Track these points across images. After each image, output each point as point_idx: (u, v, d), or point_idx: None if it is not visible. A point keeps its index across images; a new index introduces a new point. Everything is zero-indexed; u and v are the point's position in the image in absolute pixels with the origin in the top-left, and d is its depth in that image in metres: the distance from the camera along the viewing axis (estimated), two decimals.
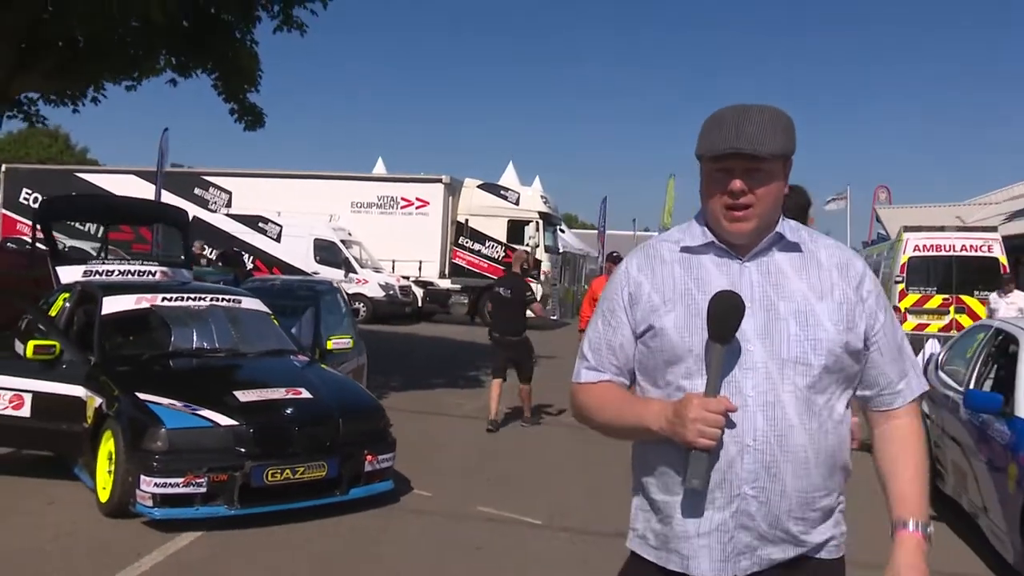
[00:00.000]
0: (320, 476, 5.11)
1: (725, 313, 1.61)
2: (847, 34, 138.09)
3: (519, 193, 23.26)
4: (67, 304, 6.41)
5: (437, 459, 6.76)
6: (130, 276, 7.23)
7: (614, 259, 10.97)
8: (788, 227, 1.75)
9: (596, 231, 32.31)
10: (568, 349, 11.83)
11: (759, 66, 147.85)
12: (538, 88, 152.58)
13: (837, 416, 1.70)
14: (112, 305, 5.99)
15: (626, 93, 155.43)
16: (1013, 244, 20.38)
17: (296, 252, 21.34)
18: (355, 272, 21.25)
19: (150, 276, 7.31)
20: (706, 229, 1.75)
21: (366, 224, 22.74)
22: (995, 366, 5.55)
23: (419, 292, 22.30)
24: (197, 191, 23.50)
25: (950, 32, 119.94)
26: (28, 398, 5.52)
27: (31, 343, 5.50)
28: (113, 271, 7.25)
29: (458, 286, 22.63)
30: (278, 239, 21.74)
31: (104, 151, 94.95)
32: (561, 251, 25.71)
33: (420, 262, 22.56)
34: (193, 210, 19.97)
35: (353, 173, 24.40)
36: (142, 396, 5.05)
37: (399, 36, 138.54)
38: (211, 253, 18.28)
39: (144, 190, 23.46)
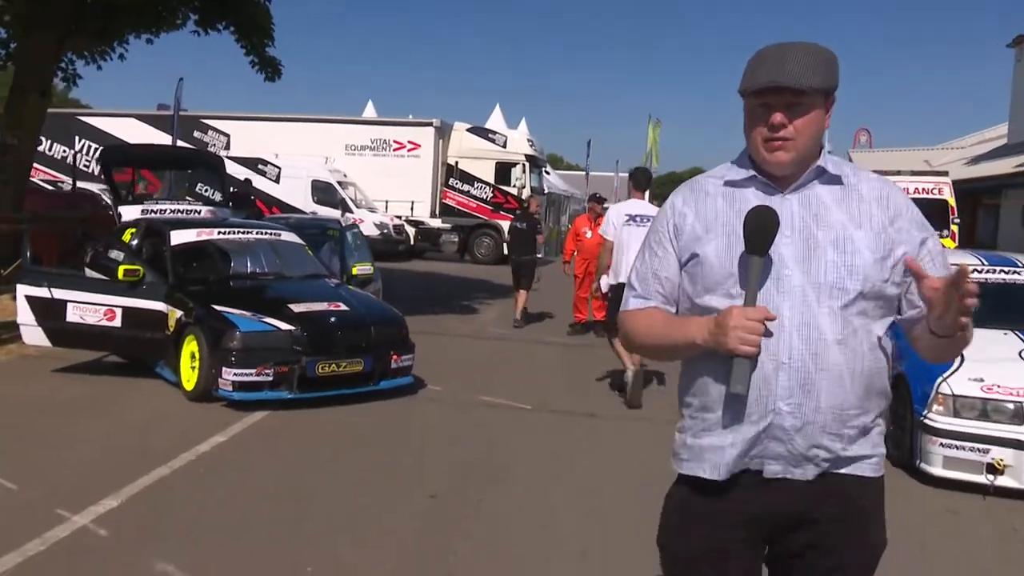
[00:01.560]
0: (358, 370, 6.55)
1: (760, 226, 1.69)
2: None
3: (506, 136, 24.34)
4: (135, 237, 7.72)
5: (444, 365, 8.18)
6: (180, 214, 8.51)
7: (596, 199, 12.30)
8: (831, 161, 1.80)
9: (580, 172, 33.54)
10: (551, 281, 13.35)
11: (742, 15, 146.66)
12: (525, 34, 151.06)
13: (874, 339, 1.75)
14: (178, 238, 7.32)
15: (610, 41, 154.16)
16: (974, 187, 21.87)
17: (294, 192, 22.43)
18: (351, 212, 22.35)
19: (196, 214, 8.60)
20: (750, 165, 1.82)
21: (360, 166, 23.81)
22: None
23: (411, 231, 23.53)
24: (196, 134, 24.38)
25: None
26: (119, 312, 6.88)
27: (121, 267, 6.83)
28: (166, 210, 8.54)
29: (448, 225, 23.86)
30: (277, 180, 22.80)
31: (84, 91, 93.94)
32: (546, 192, 26.93)
33: (412, 202, 23.73)
34: None
35: (347, 117, 25.34)
36: (218, 308, 6.43)
37: None
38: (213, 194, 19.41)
39: (143, 132, 24.45)
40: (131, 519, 4.12)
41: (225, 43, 11.86)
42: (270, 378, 6.21)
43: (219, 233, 7.55)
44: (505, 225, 23.52)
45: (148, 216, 8.00)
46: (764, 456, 1.73)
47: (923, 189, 16.50)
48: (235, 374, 6.13)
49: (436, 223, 23.88)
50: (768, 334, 1.67)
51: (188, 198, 10.71)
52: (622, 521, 4.32)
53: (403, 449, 5.62)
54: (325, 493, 4.65)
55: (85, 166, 24.34)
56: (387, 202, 23.60)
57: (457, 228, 23.76)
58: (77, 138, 24.79)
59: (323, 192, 22.56)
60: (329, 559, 3.76)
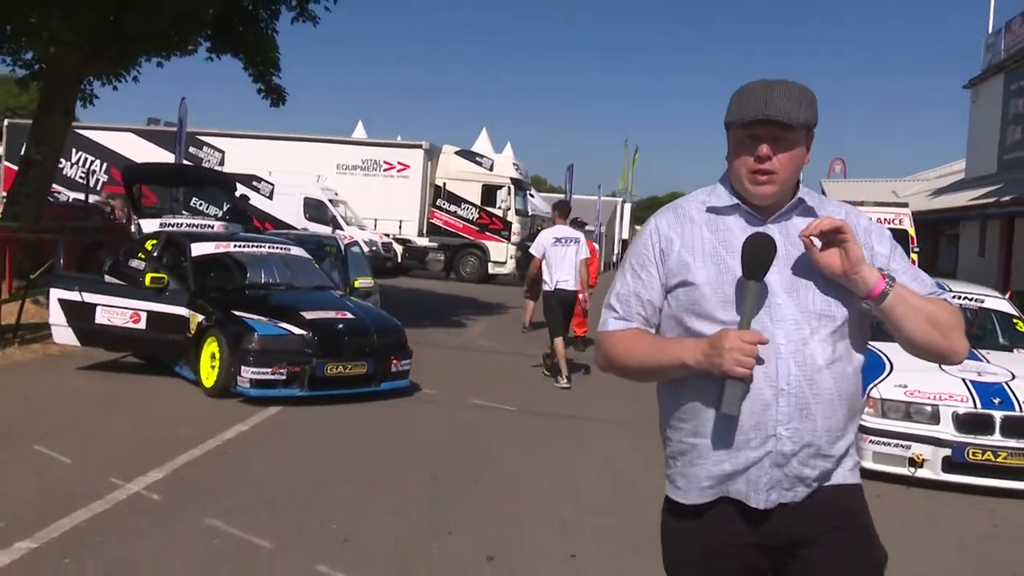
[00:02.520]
0: (362, 372, 7.28)
1: (758, 251, 1.74)
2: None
3: (493, 160, 25.20)
4: (156, 249, 8.42)
5: (436, 372, 8.90)
6: (194, 228, 9.21)
7: (578, 223, 13.10)
8: (806, 194, 1.88)
9: (563, 195, 34.49)
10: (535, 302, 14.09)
11: (719, 47, 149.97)
12: (511, 60, 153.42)
13: (856, 360, 1.83)
14: (198, 250, 8.03)
15: (594, 69, 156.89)
16: (935, 218, 22.98)
17: (287, 209, 23.11)
18: (341, 229, 23.07)
19: (209, 228, 9.30)
20: (733, 192, 1.86)
21: (351, 185, 24.54)
22: None
23: (399, 249, 24.27)
24: (192, 150, 24.97)
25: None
26: (144, 315, 7.57)
27: (148, 275, 7.53)
28: (182, 224, 9.24)
29: (435, 244, 24.61)
30: (270, 197, 23.48)
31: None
32: (530, 214, 27.80)
33: (400, 221, 24.48)
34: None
35: (339, 137, 26.12)
36: (237, 313, 7.15)
37: (382, 12, 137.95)
38: (206, 207, 20.05)
39: (141, 147, 25.12)
40: (176, 488, 4.82)
41: (219, 62, 12.59)
42: (284, 377, 6.92)
43: (235, 246, 8.29)
44: (490, 245, 24.40)
45: (167, 229, 8.70)
46: (764, 483, 1.76)
47: (885, 219, 17.37)
48: (253, 372, 6.83)
49: (423, 242, 24.61)
50: (760, 361, 1.71)
51: (185, 212, 11.40)
52: (596, 500, 5.09)
53: (404, 440, 6.34)
54: (339, 472, 5.36)
55: (81, 178, 24.92)
56: (376, 220, 24.32)
57: (443, 247, 24.51)
58: (74, 151, 25.36)
59: (315, 209, 23.25)
60: (350, 520, 4.47)
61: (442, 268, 24.56)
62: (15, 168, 25.50)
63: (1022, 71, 19.42)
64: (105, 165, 25.67)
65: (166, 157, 24.42)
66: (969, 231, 21.79)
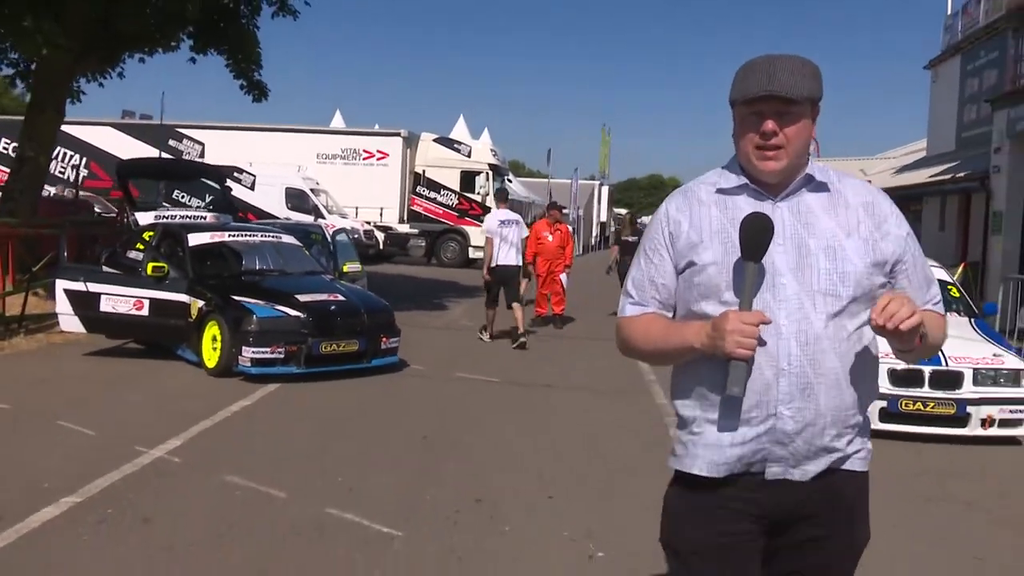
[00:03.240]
0: (354, 350, 7.83)
1: (755, 232, 1.73)
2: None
3: (471, 147, 25.68)
4: (153, 240, 8.88)
5: (422, 350, 9.45)
6: (187, 219, 9.67)
7: (556, 207, 13.67)
8: (817, 169, 1.85)
9: (541, 179, 35.18)
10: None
11: (695, 31, 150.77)
12: (488, 45, 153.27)
13: (865, 340, 1.81)
14: (195, 240, 8.51)
15: (570, 54, 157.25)
16: (900, 194, 23.77)
17: (269, 199, 23.46)
18: (323, 218, 23.49)
19: (202, 219, 9.77)
20: (741, 172, 1.86)
21: (331, 174, 24.94)
22: None
23: (380, 236, 24.72)
24: (172, 142, 25.27)
25: None
26: (147, 303, 8.06)
27: (150, 264, 8.02)
28: (175, 215, 9.70)
29: (416, 231, 25.09)
30: (252, 187, 23.80)
31: None
32: (508, 198, 28.30)
33: (381, 209, 24.93)
34: None
35: (319, 127, 26.48)
36: (236, 298, 7.66)
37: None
38: (188, 199, 20.40)
39: (119, 140, 25.34)
40: (195, 452, 5.36)
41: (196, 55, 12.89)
42: (282, 356, 7.45)
43: (230, 236, 8.78)
44: (470, 230, 24.92)
45: (163, 221, 9.16)
46: (766, 459, 1.78)
47: None
48: (253, 352, 7.37)
49: (404, 228, 25.07)
50: (763, 342, 1.72)
51: (165, 204, 11.82)
52: (570, 455, 5.70)
53: (396, 408, 6.91)
54: (338, 436, 5.93)
55: (60, 172, 25.12)
56: (357, 208, 24.75)
57: (424, 233, 24.99)
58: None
59: (296, 199, 23.63)
60: (352, 473, 5.04)
61: (423, 254, 25.06)
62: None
63: (977, 52, 20.15)
64: (84, 159, 25.88)
65: (145, 150, 24.69)
66: (931, 206, 22.57)
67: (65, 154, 25.48)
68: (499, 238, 10.35)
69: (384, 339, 8.07)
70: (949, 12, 23.69)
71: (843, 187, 1.85)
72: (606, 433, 6.33)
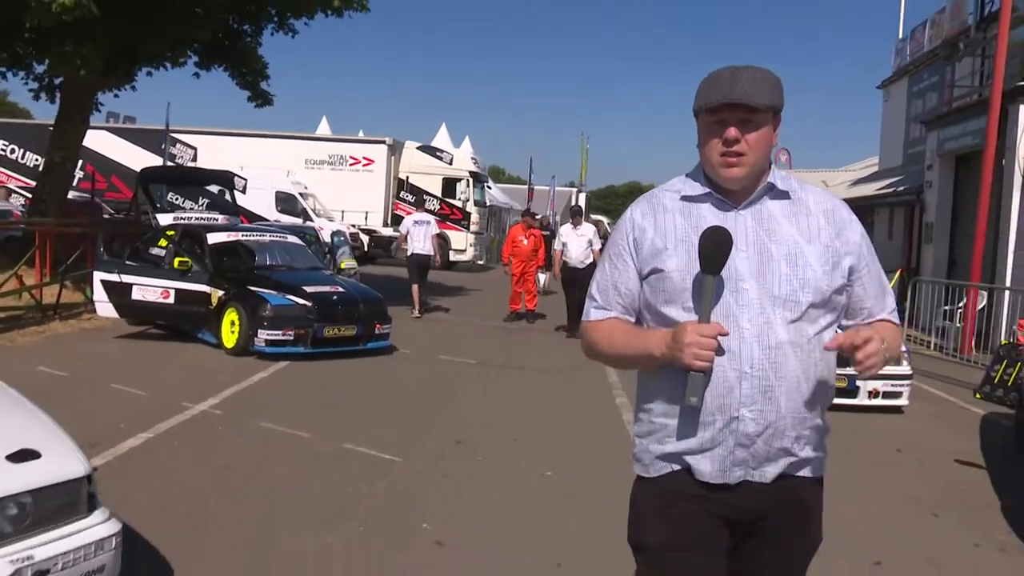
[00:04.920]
0: (352, 334, 9.16)
1: (714, 246, 1.78)
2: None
3: (452, 155, 27.04)
4: (174, 238, 10.15)
5: (409, 337, 10.78)
6: (202, 220, 10.93)
7: (530, 214, 15.05)
8: (779, 177, 1.90)
9: (520, 185, 36.69)
10: (491, 284, 16.05)
11: (669, 39, 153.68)
12: (470, 56, 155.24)
13: (825, 344, 1.86)
14: (214, 238, 9.81)
15: (551, 59, 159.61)
16: (856, 205, 25.43)
17: (259, 203, 24.61)
18: (311, 220, 24.70)
19: (214, 220, 11.03)
20: (705, 180, 1.90)
21: (319, 179, 26.16)
22: None
23: (365, 239, 25.97)
24: (165, 146, 26.38)
25: None
26: (173, 292, 9.34)
27: (176, 259, 9.30)
28: (191, 217, 10.97)
29: (399, 233, 26.35)
30: (243, 191, 24.90)
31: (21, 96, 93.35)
32: (488, 204, 29.70)
33: (366, 212, 26.17)
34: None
35: (308, 134, 27.71)
36: (252, 288, 8.97)
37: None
38: (183, 202, 21.55)
39: (115, 144, 26.39)
40: (231, 407, 6.68)
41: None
42: (291, 338, 8.77)
43: (243, 235, 10.08)
44: (451, 234, 26.23)
45: (183, 222, 10.44)
46: (728, 462, 1.82)
47: None
48: (267, 334, 8.68)
49: (388, 231, 26.31)
50: (720, 352, 1.76)
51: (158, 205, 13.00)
52: (534, 415, 7.08)
53: (389, 383, 8.26)
54: (345, 399, 7.27)
55: None
56: (343, 212, 25.97)
57: (437, 245, 26.22)
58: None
59: (286, 202, 24.81)
60: (358, 426, 6.38)
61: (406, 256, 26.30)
62: None
63: (921, 75, 21.85)
64: (80, 162, 26.81)
65: (140, 154, 25.81)
66: (881, 217, 24.23)
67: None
68: (412, 234, 13.59)
69: (378, 325, 9.41)
70: (900, 36, 25.43)
71: (805, 195, 1.92)
72: (563, 399, 7.72)
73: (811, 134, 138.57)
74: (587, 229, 12.33)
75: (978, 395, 8.35)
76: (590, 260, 11.91)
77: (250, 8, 13.05)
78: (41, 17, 9.02)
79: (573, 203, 49.35)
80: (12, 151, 26.68)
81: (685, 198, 1.92)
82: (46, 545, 2.69)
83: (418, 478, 5.18)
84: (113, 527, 2.92)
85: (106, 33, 10.38)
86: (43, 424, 3.10)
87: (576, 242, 12.11)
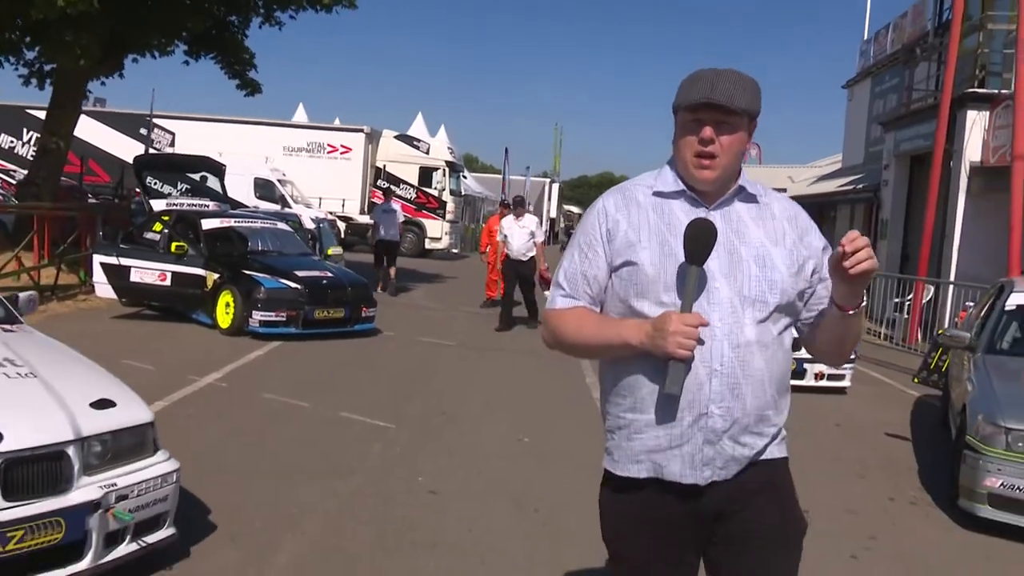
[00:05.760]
0: (340, 316, 9.77)
1: (699, 237, 1.83)
2: None
3: (429, 144, 27.57)
4: (168, 223, 10.65)
5: (392, 321, 11.36)
6: (193, 207, 11.42)
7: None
8: (748, 182, 1.96)
9: (494, 175, 37.29)
10: (467, 272, 16.69)
11: (645, 35, 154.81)
12: (446, 44, 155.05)
13: (786, 345, 1.95)
14: (208, 224, 10.33)
15: (526, 52, 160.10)
16: (820, 201, 26.41)
17: (237, 189, 24.52)
18: (289, 207, 25.11)
19: (205, 207, 11.53)
20: (677, 177, 1.94)
21: (297, 166, 26.51)
22: None
23: (343, 226, 26.39)
24: (143, 131, 26.51)
25: None
26: (170, 275, 9.86)
27: (173, 243, 9.82)
28: (183, 203, 11.45)
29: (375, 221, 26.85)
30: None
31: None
32: (463, 194, 30.28)
33: (343, 200, 26.61)
34: (140, 149, 23.38)
35: (286, 121, 28.04)
36: (246, 272, 9.53)
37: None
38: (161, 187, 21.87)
39: (94, 128, 26.42)
40: (235, 380, 7.28)
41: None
42: (284, 319, 9.35)
43: (236, 221, 10.62)
44: (427, 223, 26.80)
45: (175, 208, 10.94)
46: (697, 459, 1.87)
47: None
48: (261, 316, 9.25)
49: (365, 219, 26.75)
50: (701, 342, 1.81)
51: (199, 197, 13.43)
52: (507, 388, 7.77)
53: (376, 359, 8.89)
54: (337, 375, 7.89)
55: (32, 156, 26.17)
56: (321, 199, 26.35)
57: (402, 230, 26.75)
58: (25, 130, 26.60)
59: (264, 189, 25.09)
60: (350, 397, 7.01)
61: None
62: None
63: (884, 77, 22.80)
64: (38, 143, 26.82)
65: (119, 138, 26.01)
66: (843, 212, 25.22)
67: (36, 138, 26.51)
68: (380, 221, 15.49)
69: (364, 309, 10.02)
70: (865, 38, 26.40)
71: (770, 200, 1.99)
72: (536, 377, 8.41)
73: (780, 130, 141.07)
74: (529, 220, 11.92)
75: (916, 379, 9.17)
76: (532, 253, 11.65)
77: (239, 0, 13.50)
78: (47, 10, 9.45)
79: (546, 193, 50.20)
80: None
81: (658, 194, 1.96)
82: (124, 476, 3.32)
83: (410, 441, 5.84)
84: (173, 464, 3.56)
85: (103, 24, 10.78)
86: (111, 380, 3.72)
87: (518, 234, 11.66)
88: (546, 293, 11.70)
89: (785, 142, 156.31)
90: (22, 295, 4.35)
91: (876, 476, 5.89)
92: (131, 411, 3.48)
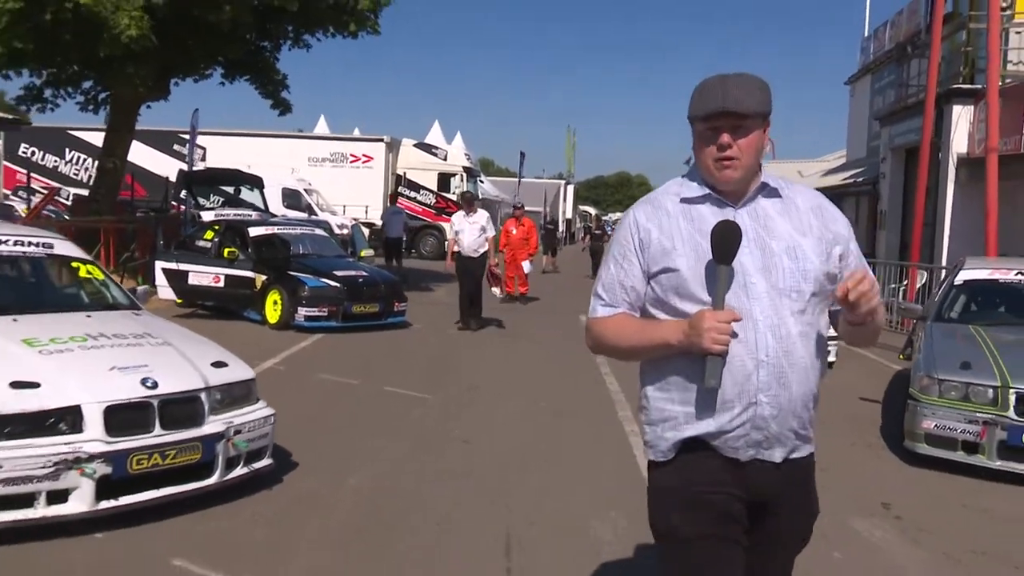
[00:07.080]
0: (375, 310, 10.91)
1: (725, 238, 1.93)
2: None
3: (446, 151, 28.76)
4: (219, 232, 11.83)
5: (420, 315, 12.47)
6: (238, 217, 12.59)
7: (519, 207, 16.81)
8: (770, 178, 2.06)
9: (509, 178, 38.40)
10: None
11: (659, 38, 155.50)
12: (461, 52, 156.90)
13: (821, 330, 2.06)
14: (255, 231, 11.51)
15: (539, 59, 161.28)
16: (826, 195, 27.23)
17: (267, 198, 26.23)
18: (315, 215, 26.36)
19: (249, 216, 12.71)
20: (702, 183, 2.05)
21: (321, 175, 27.78)
22: None
23: (366, 231, 27.59)
24: (176, 147, 27.92)
25: None
26: (223, 277, 11.05)
27: (226, 250, 11.01)
28: (229, 214, 12.65)
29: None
30: (252, 189, 26.56)
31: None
32: (480, 198, 31.40)
33: (366, 207, 27.80)
34: (176, 164, 24.70)
35: (310, 133, 29.36)
36: (291, 273, 10.70)
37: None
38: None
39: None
40: (290, 364, 8.42)
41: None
42: (326, 314, 10.50)
43: (279, 229, 11.81)
44: (447, 226, 27.83)
45: (224, 218, 12.13)
46: (743, 442, 1.98)
47: None
48: (306, 311, 10.41)
49: None
50: (734, 334, 1.91)
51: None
52: (528, 367, 8.87)
53: (410, 347, 10.01)
54: (377, 360, 9.02)
55: (74, 175, 27.71)
56: (344, 206, 27.58)
57: (405, 229, 27.97)
58: (67, 150, 28.10)
59: (291, 198, 26.35)
60: (391, 375, 8.12)
61: (404, 247, 28.03)
62: (14, 168, 28.32)
63: (883, 74, 23.64)
64: (95, 163, 28.29)
65: (154, 155, 27.38)
66: (848, 204, 26.08)
67: (78, 157, 28.03)
68: (387, 222, 18.67)
69: (396, 304, 11.16)
70: (865, 35, 27.22)
71: (793, 193, 2.07)
72: (552, 360, 9.49)
73: (788, 126, 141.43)
74: (480, 216, 11.55)
75: (901, 356, 10.12)
76: (484, 249, 11.35)
77: (270, 28, 14.70)
78: (112, 47, 10.69)
79: (561, 195, 51.21)
80: (32, 153, 28.15)
81: (685, 200, 2.05)
82: (238, 416, 4.45)
83: (444, 407, 6.95)
84: (271, 410, 4.69)
85: (158, 56, 11.99)
86: (221, 348, 4.86)
87: (469, 230, 11.32)
88: (493, 290, 12.85)
89: (794, 137, 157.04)
90: (139, 288, 5.50)
91: (841, 428, 6.90)
92: (240, 369, 4.62)
